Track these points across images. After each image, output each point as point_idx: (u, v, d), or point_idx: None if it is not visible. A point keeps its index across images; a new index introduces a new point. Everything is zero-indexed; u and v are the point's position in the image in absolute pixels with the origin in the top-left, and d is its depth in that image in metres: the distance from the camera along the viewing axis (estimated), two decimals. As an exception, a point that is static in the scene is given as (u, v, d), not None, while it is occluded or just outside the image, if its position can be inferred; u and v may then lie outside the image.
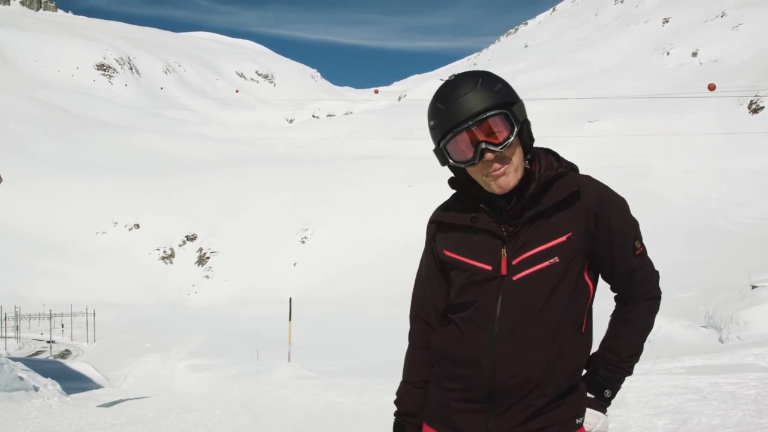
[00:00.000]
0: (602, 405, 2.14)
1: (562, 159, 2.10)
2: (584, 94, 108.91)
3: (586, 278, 2.07)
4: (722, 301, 21.73)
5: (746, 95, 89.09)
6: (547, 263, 1.98)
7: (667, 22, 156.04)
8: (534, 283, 1.99)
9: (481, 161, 1.96)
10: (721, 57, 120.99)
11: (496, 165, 1.96)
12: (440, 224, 2.18)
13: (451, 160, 2.01)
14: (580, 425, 2.07)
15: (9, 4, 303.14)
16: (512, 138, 1.94)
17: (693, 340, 17.96)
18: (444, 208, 2.19)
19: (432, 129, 2.03)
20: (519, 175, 2.00)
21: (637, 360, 2.16)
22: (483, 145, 1.93)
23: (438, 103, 1.99)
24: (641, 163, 76.39)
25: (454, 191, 2.18)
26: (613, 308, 2.20)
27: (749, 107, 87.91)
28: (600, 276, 2.16)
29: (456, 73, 2.03)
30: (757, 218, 58.65)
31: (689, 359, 11.15)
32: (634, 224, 2.10)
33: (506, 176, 1.97)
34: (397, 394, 2.30)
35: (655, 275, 2.16)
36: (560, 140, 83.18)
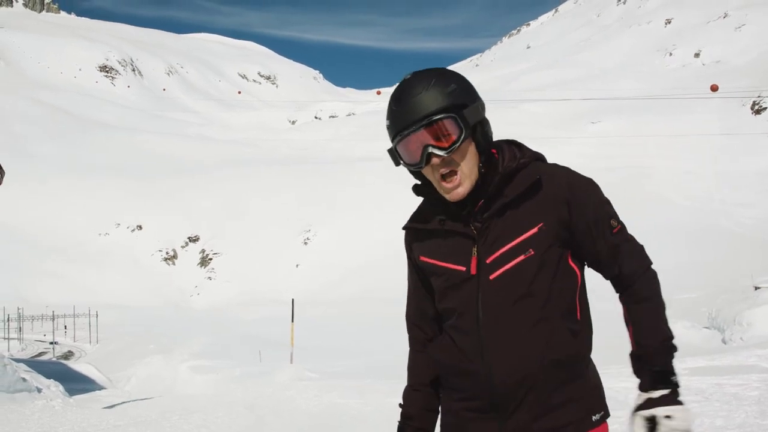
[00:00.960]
0: (673, 397, 1.94)
1: (526, 149, 2.05)
2: (586, 95, 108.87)
3: (571, 264, 2.01)
4: (725, 302, 21.67)
5: (749, 96, 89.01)
6: (522, 257, 1.93)
7: (669, 23, 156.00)
8: (512, 280, 1.94)
9: (429, 165, 1.93)
10: (723, 58, 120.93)
11: (444, 170, 1.93)
12: (413, 231, 2.17)
13: (401, 161, 2.00)
14: (598, 423, 2.00)
15: (12, 6, 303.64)
16: (459, 143, 1.90)
17: (696, 341, 17.93)
18: (415, 213, 2.17)
19: (387, 129, 2.01)
20: (472, 180, 1.96)
21: (673, 336, 2.03)
22: (429, 149, 1.91)
23: (392, 103, 1.97)
24: (643, 164, 76.34)
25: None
26: (621, 305, 2.11)
27: (752, 108, 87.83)
28: (591, 267, 2.10)
29: (414, 71, 2.01)
30: (759, 219, 58.58)
31: (692, 360, 11.13)
32: (606, 203, 2.03)
33: (459, 187, 1.94)
34: (402, 398, 2.30)
35: (641, 248, 2.07)
36: (562, 141, 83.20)
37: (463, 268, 1.99)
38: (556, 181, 1.98)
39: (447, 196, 1.97)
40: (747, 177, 69.17)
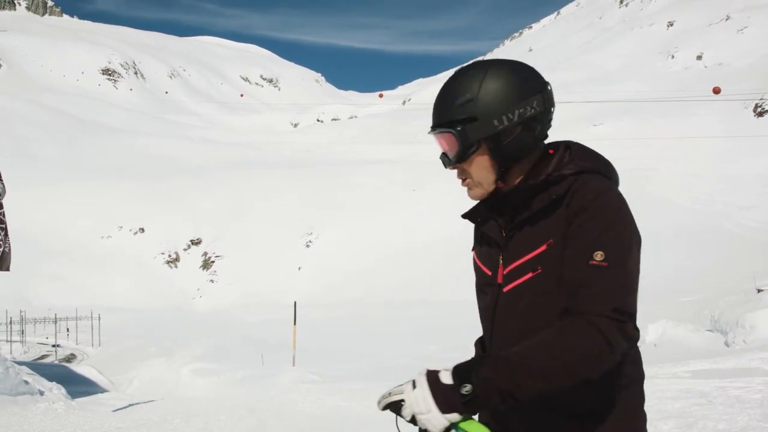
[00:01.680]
0: (450, 391, 1.66)
1: (576, 157, 1.92)
2: (588, 97, 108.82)
3: None
4: (728, 304, 21.66)
5: (751, 98, 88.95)
6: (530, 275, 1.84)
7: (671, 25, 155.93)
8: (520, 296, 1.87)
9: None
10: (726, 60, 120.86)
11: (457, 175, 1.97)
12: (472, 221, 2.13)
13: None
14: None
15: (15, 9, 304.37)
16: (459, 157, 1.90)
17: (698, 344, 17.92)
18: (474, 207, 2.11)
19: None
20: (484, 188, 1.94)
21: (527, 389, 1.63)
22: (442, 156, 1.96)
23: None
24: (646, 167, 76.27)
25: None
26: None
27: (754, 110, 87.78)
28: None
29: (461, 67, 1.98)
30: (762, 222, 58.51)
31: (695, 363, 11.12)
32: (606, 231, 1.73)
33: (471, 190, 1.96)
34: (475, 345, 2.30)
35: (616, 301, 1.66)
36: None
37: (490, 273, 1.99)
38: (577, 196, 1.82)
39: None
40: (749, 179, 69.10)
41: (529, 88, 1.88)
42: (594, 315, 1.65)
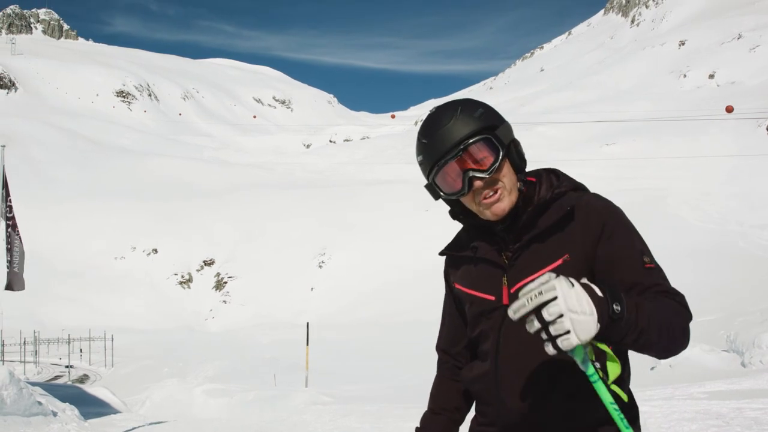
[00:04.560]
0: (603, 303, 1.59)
1: (564, 178, 2.02)
2: (600, 117, 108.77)
3: None
4: (744, 324, 21.44)
5: (764, 117, 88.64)
6: None
7: (683, 44, 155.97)
8: None
9: (472, 190, 1.91)
10: (738, 79, 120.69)
11: (487, 191, 1.91)
12: (449, 257, 2.17)
13: (442, 193, 1.98)
14: None
15: (31, 33, 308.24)
16: (499, 162, 1.89)
17: (715, 365, 17.73)
18: (453, 241, 2.16)
19: (420, 165, 2.00)
20: (513, 198, 1.94)
21: (655, 324, 1.69)
22: (471, 174, 1.88)
23: (422, 138, 1.96)
24: (659, 186, 76.00)
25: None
26: None
27: (767, 129, 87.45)
28: None
29: (437, 106, 1.99)
30: (777, 241, 58.08)
31: (711, 384, 11.00)
32: (637, 238, 1.91)
33: (500, 202, 1.91)
34: (420, 422, 2.28)
35: (678, 293, 1.85)
36: (576, 164, 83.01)
37: (493, 298, 1.97)
38: (588, 212, 1.92)
39: (487, 213, 1.93)
40: (763, 198, 68.67)
41: None
42: (674, 294, 1.83)
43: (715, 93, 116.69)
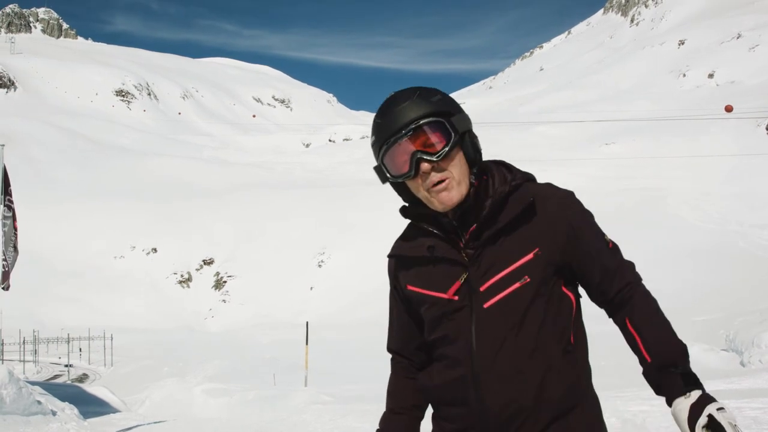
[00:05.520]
0: (708, 395, 1.86)
1: (516, 170, 1.98)
2: (600, 116, 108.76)
3: (565, 291, 1.95)
4: (743, 324, 21.45)
5: (764, 117, 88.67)
6: (517, 285, 1.86)
7: (683, 44, 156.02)
8: (507, 308, 1.87)
9: (419, 174, 1.86)
10: (737, 78, 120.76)
11: (435, 177, 1.85)
12: (399, 258, 2.08)
13: (389, 175, 1.93)
14: None
15: (30, 32, 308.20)
16: (449, 147, 1.84)
17: (714, 364, 17.75)
18: (401, 239, 2.09)
19: (372, 146, 1.96)
20: (463, 190, 1.89)
21: (685, 347, 1.96)
22: (419, 155, 1.84)
23: (377, 118, 1.92)
24: (659, 186, 76.03)
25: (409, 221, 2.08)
26: (618, 326, 2.03)
27: (767, 129, 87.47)
28: (584, 289, 2.04)
29: (397, 90, 1.96)
30: (776, 240, 58.10)
31: (710, 383, 10.99)
32: (593, 219, 1.99)
33: (448, 191, 1.86)
34: (380, 423, 2.23)
35: (632, 264, 2.00)
36: (576, 163, 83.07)
37: (456, 297, 1.92)
38: (551, 203, 1.92)
39: (435, 201, 1.89)
40: (763, 198, 68.69)
41: None
42: (638, 281, 2.00)
43: (714, 92, 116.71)
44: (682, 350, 1.93)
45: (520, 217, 1.89)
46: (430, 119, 1.85)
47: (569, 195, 1.96)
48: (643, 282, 2.02)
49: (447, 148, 1.84)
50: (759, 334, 17.48)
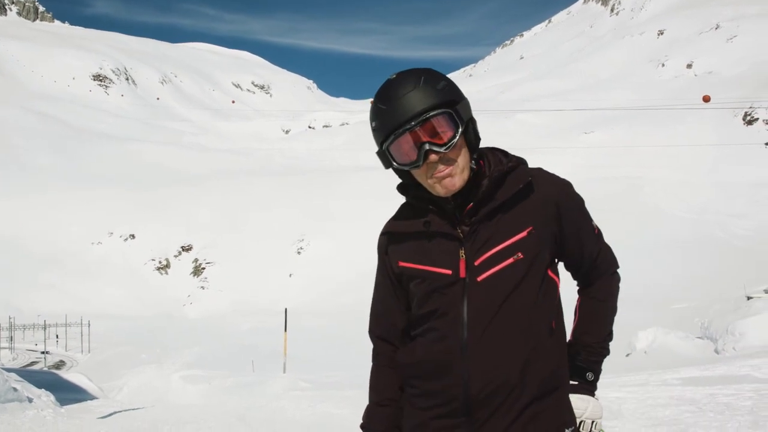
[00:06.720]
0: (587, 389, 2.09)
1: (510, 154, 2.02)
2: (580, 105, 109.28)
3: (551, 274, 1.97)
4: (718, 312, 21.72)
5: (741, 107, 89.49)
6: (511, 260, 1.89)
7: (662, 34, 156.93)
8: (500, 282, 1.89)
9: (426, 163, 1.86)
10: (715, 69, 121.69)
11: (441, 167, 1.86)
12: (392, 235, 2.08)
13: (395, 163, 1.92)
14: None
15: (6, 15, 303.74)
16: (457, 138, 1.84)
17: (689, 351, 17.97)
18: (395, 217, 2.10)
19: (374, 131, 1.93)
20: (465, 176, 1.90)
21: (611, 339, 2.16)
22: (427, 146, 1.83)
23: (380, 103, 1.89)
24: (637, 174, 76.60)
25: (404, 200, 2.09)
26: (577, 296, 2.16)
27: (744, 119, 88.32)
28: (565, 266, 2.09)
29: (399, 71, 1.94)
30: (752, 230, 58.80)
31: (685, 370, 11.14)
32: (584, 204, 2.06)
33: (452, 178, 1.87)
34: (364, 417, 2.22)
35: (611, 250, 2.16)
36: (555, 151, 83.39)
37: (449, 272, 1.93)
38: (545, 185, 1.97)
39: (437, 187, 1.89)
40: (740, 187, 69.45)
41: None
42: (613, 269, 2.16)
43: (692, 83, 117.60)
44: (595, 348, 2.13)
45: (517, 195, 1.93)
46: (439, 111, 1.84)
47: (566, 181, 2.04)
48: (618, 270, 2.17)
49: (455, 140, 1.87)
50: (733, 321, 17.70)
